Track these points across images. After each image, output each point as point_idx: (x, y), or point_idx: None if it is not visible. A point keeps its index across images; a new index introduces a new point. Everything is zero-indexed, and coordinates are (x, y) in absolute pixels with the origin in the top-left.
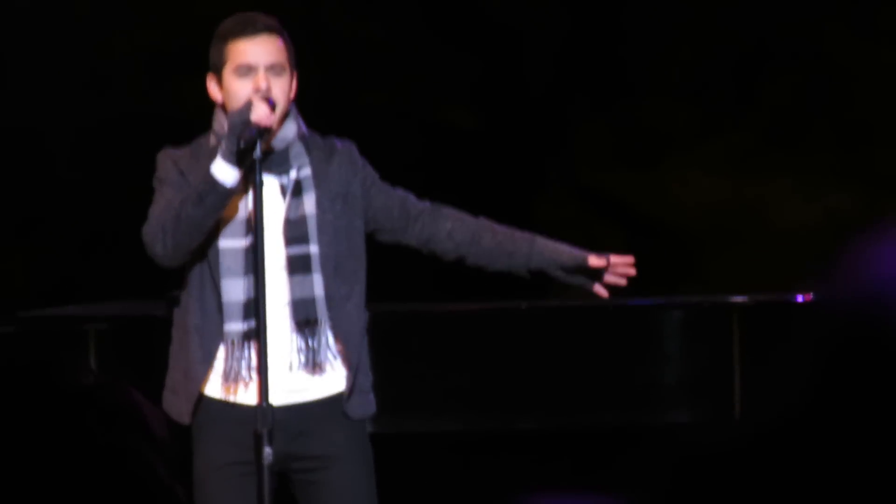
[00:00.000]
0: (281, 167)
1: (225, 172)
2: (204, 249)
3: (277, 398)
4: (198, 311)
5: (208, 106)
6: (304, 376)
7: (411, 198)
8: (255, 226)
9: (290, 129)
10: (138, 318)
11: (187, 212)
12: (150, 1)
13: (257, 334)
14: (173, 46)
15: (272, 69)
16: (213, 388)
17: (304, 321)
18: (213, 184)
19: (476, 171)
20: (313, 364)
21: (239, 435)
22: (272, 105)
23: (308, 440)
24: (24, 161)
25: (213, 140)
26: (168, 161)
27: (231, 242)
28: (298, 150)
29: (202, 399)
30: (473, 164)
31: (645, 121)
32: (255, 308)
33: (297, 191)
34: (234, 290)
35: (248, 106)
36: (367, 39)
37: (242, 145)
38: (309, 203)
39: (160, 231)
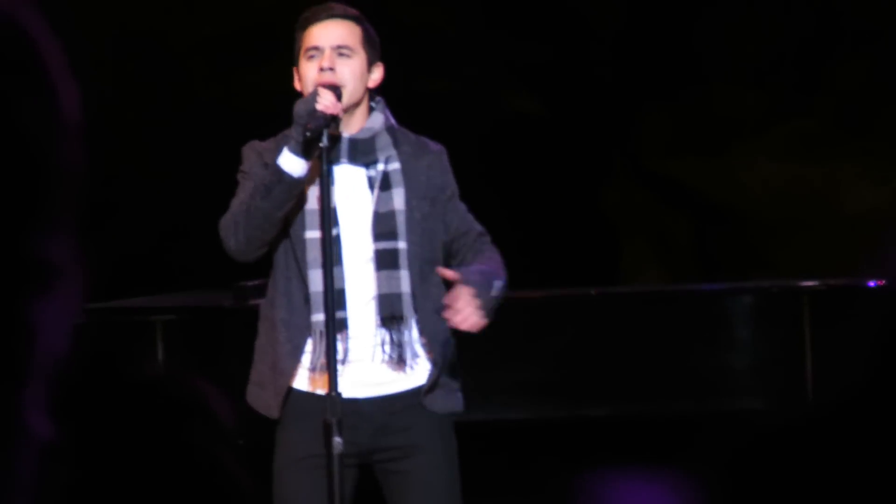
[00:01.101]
0: (367, 157)
1: (292, 163)
2: (290, 241)
3: (362, 391)
4: (285, 305)
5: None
6: (387, 370)
7: (471, 223)
8: (322, 214)
9: (377, 120)
10: (205, 308)
11: (256, 204)
12: None
13: (328, 325)
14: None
15: (338, 50)
16: (301, 381)
17: (390, 316)
18: (280, 174)
19: (544, 159)
20: (398, 359)
21: (317, 426)
22: (338, 93)
23: (392, 433)
24: (97, 150)
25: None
26: (252, 154)
27: (316, 233)
28: (386, 142)
29: (290, 392)
30: (542, 152)
31: (712, 107)
32: (325, 298)
33: (385, 184)
34: (320, 280)
35: (314, 95)
36: (434, 28)
37: (309, 134)
38: (398, 199)
39: (233, 225)
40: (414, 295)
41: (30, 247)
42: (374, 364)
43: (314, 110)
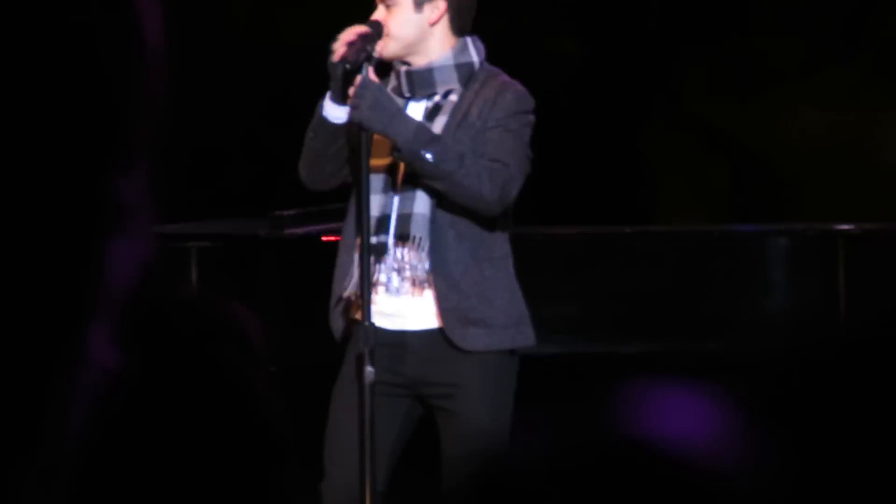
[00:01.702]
0: (426, 90)
1: (330, 109)
2: (354, 167)
3: (406, 322)
4: (348, 228)
5: None
6: (410, 297)
7: (496, 152)
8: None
9: (444, 55)
10: (241, 237)
11: (308, 143)
12: None
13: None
14: None
15: (383, 3)
16: (356, 306)
17: (402, 236)
18: (322, 119)
19: (584, 100)
20: (413, 282)
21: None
22: (377, 31)
23: (436, 367)
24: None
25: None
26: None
27: (376, 161)
28: (448, 76)
29: (343, 307)
30: (581, 93)
31: (752, 53)
32: (357, 207)
33: (432, 114)
34: (373, 206)
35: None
36: None
37: (348, 67)
38: (437, 126)
39: (301, 161)
40: (431, 219)
41: (105, 185)
42: (404, 289)
43: (335, 61)
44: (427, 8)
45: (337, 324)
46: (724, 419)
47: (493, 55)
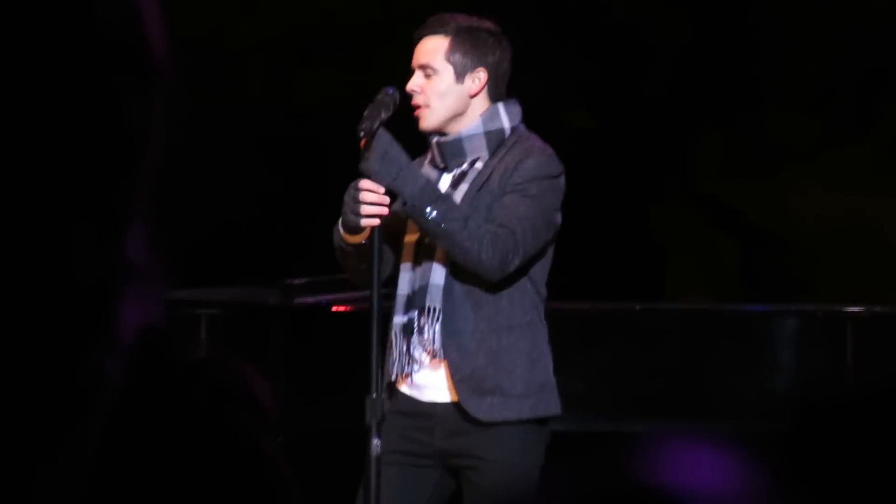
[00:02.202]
0: (455, 159)
1: (338, 237)
2: (395, 249)
3: (434, 395)
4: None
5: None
6: (437, 373)
7: (504, 217)
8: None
9: (473, 124)
10: (251, 304)
11: (340, 260)
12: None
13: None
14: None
15: (424, 71)
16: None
17: (422, 308)
18: (339, 246)
19: (595, 175)
20: (430, 353)
21: (401, 425)
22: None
23: (460, 438)
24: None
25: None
26: None
27: (409, 237)
28: (477, 145)
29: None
30: (593, 168)
31: (766, 132)
32: (370, 297)
33: (456, 182)
34: (402, 282)
35: (347, 206)
36: None
37: (362, 135)
38: (458, 194)
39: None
40: (446, 288)
41: (113, 244)
42: (425, 362)
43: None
44: (468, 78)
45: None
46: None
47: None
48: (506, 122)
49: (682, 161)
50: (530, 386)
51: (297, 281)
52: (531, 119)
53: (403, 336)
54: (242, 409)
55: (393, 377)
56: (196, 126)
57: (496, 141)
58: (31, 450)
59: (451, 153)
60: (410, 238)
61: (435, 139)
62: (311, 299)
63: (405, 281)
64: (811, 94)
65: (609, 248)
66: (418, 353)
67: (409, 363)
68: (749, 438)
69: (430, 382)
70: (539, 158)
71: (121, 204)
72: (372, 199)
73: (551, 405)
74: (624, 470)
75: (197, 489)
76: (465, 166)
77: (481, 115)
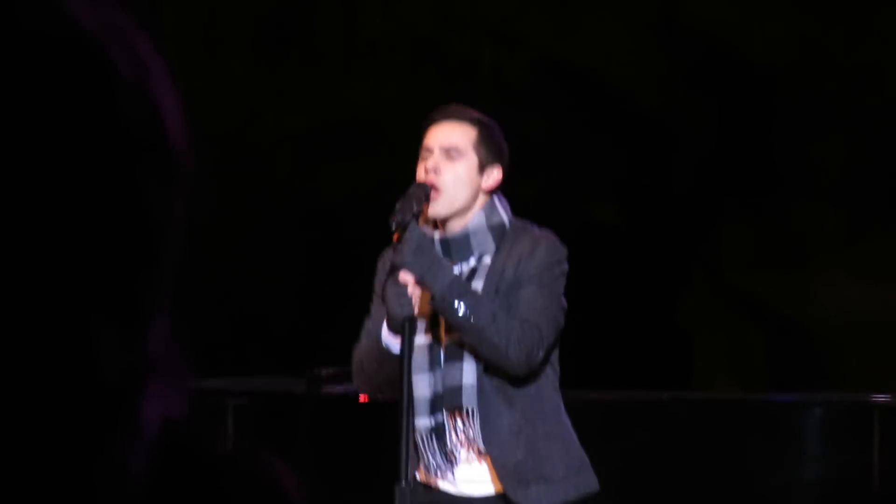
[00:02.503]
0: (461, 255)
1: (390, 340)
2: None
3: (478, 488)
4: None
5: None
6: (481, 468)
7: (527, 311)
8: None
9: (476, 219)
10: (277, 394)
11: (373, 368)
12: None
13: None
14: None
15: (445, 152)
16: (421, 475)
17: (452, 408)
18: (387, 352)
19: (623, 267)
20: (476, 451)
21: None
22: (426, 194)
23: None
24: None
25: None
26: (378, 265)
27: (421, 339)
28: (483, 240)
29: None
30: (620, 260)
31: (793, 223)
32: (403, 393)
33: (468, 279)
34: (421, 385)
35: (394, 302)
36: (522, 130)
37: (394, 228)
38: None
39: (358, 373)
40: (479, 388)
41: (136, 333)
42: (469, 458)
43: (400, 318)
44: (486, 173)
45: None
46: None
47: (534, 220)
48: (504, 216)
49: (710, 252)
50: (570, 468)
51: (324, 370)
52: (560, 211)
53: (433, 438)
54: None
55: (427, 476)
56: (223, 217)
57: (499, 235)
58: None
59: (458, 249)
60: (421, 341)
61: (437, 234)
62: (338, 388)
63: (423, 383)
64: (839, 185)
65: (637, 339)
66: (459, 452)
67: (444, 462)
68: None
69: (472, 477)
70: (547, 246)
71: (143, 298)
72: (415, 291)
73: (591, 482)
74: None
75: None
76: (472, 262)
77: (482, 208)
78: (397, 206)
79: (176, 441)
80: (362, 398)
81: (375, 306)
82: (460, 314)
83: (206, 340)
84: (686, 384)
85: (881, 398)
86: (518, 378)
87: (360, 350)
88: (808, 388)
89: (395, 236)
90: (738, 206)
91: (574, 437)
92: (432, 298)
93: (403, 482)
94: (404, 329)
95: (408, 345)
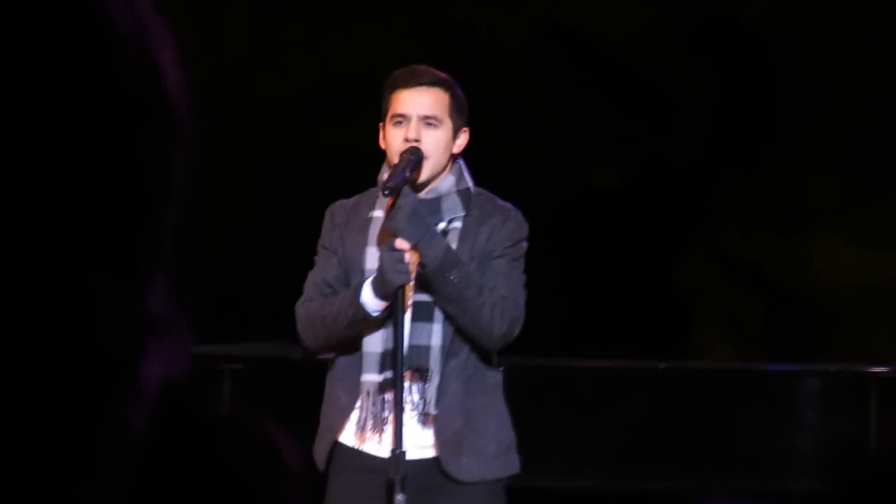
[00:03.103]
0: (432, 217)
1: (374, 303)
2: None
3: (413, 453)
4: (342, 361)
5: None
6: (419, 428)
7: (503, 285)
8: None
9: (446, 182)
10: (274, 359)
11: (338, 329)
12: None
13: (394, 384)
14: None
15: (425, 120)
16: (349, 435)
17: (416, 368)
18: (363, 313)
19: (620, 232)
20: (423, 415)
21: (367, 484)
22: (419, 160)
23: (431, 496)
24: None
25: (377, 190)
26: (327, 218)
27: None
28: (453, 203)
29: (336, 446)
30: (618, 225)
31: (791, 190)
32: (393, 357)
33: None
34: (373, 341)
35: (400, 261)
36: (521, 93)
37: (387, 193)
38: None
39: (311, 329)
40: (443, 349)
41: (137, 294)
42: (411, 422)
43: (391, 284)
44: (460, 136)
45: (321, 456)
46: None
47: (531, 184)
48: (469, 181)
49: (707, 219)
50: (501, 445)
51: None
52: (560, 176)
53: (378, 394)
54: (268, 464)
55: (358, 434)
56: (220, 181)
57: (466, 199)
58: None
59: (430, 211)
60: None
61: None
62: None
63: (377, 338)
64: (836, 152)
65: (633, 307)
66: (404, 412)
67: (382, 422)
68: (772, 497)
69: (409, 441)
70: (516, 220)
71: (144, 257)
72: (411, 258)
73: (515, 464)
74: None
75: None
76: (442, 225)
77: (451, 172)
78: (389, 171)
79: (174, 404)
80: (324, 356)
81: (324, 261)
82: (452, 284)
83: (202, 306)
84: (683, 352)
85: (878, 369)
86: (474, 349)
87: (313, 307)
88: (807, 356)
89: (389, 202)
90: (737, 172)
91: (508, 416)
92: (423, 266)
93: (397, 449)
94: (395, 295)
95: (399, 311)
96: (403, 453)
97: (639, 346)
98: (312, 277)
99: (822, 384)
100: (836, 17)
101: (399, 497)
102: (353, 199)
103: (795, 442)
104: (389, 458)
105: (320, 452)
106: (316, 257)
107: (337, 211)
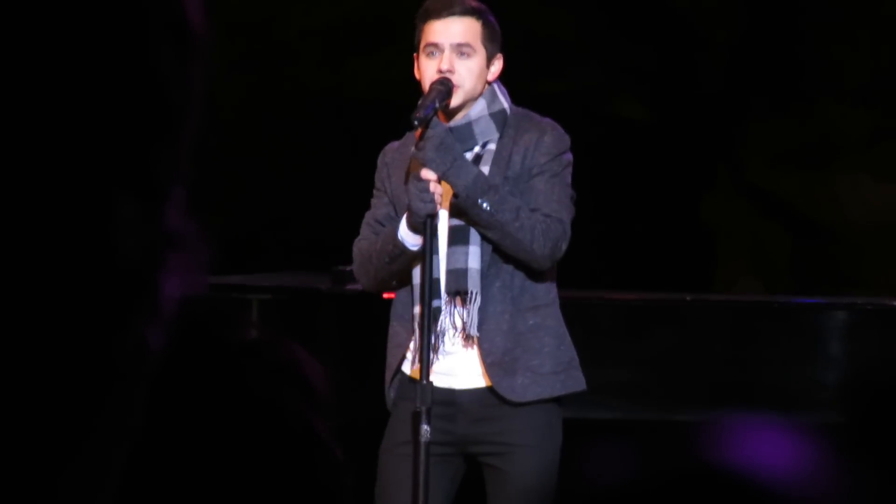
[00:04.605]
0: (466, 143)
1: (411, 237)
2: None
3: (458, 381)
4: (400, 297)
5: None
6: (462, 350)
7: (545, 203)
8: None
9: (478, 107)
10: (302, 290)
11: (383, 266)
12: None
13: (423, 314)
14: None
15: (458, 49)
16: (408, 366)
17: (455, 292)
18: (401, 246)
19: (647, 165)
20: (467, 338)
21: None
22: (449, 91)
23: (486, 424)
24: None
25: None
26: (379, 160)
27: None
28: (486, 126)
29: (399, 376)
30: (644, 158)
31: (818, 123)
32: (427, 287)
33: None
34: (419, 271)
35: (418, 198)
36: (545, 29)
37: (417, 124)
38: None
39: (363, 270)
40: (482, 272)
41: (155, 209)
42: (454, 347)
43: (427, 214)
44: (494, 63)
45: (388, 392)
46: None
47: (557, 117)
48: (505, 103)
49: (733, 152)
50: (559, 363)
51: (348, 267)
52: (586, 108)
53: (428, 324)
54: (295, 389)
55: (410, 367)
56: (249, 116)
57: (501, 121)
58: (73, 421)
59: (462, 137)
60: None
61: (446, 125)
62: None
63: (417, 270)
64: (863, 85)
65: (659, 239)
66: (449, 339)
67: (433, 351)
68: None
69: (458, 369)
70: (554, 135)
71: (161, 173)
72: (438, 188)
73: (579, 380)
74: (675, 458)
75: (247, 468)
76: (477, 149)
77: (482, 97)
78: (419, 102)
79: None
80: (386, 295)
81: (376, 201)
82: (485, 211)
83: (230, 237)
84: (709, 286)
85: None
86: (521, 267)
87: (364, 245)
88: (832, 290)
89: (419, 132)
90: (763, 105)
91: (566, 334)
92: (455, 196)
93: (424, 380)
94: (426, 226)
95: (430, 241)
96: (430, 384)
97: (665, 279)
98: (367, 217)
99: (847, 317)
100: None
101: (424, 427)
102: (401, 140)
103: (820, 375)
104: (416, 387)
105: (388, 390)
106: (371, 199)
107: (387, 152)
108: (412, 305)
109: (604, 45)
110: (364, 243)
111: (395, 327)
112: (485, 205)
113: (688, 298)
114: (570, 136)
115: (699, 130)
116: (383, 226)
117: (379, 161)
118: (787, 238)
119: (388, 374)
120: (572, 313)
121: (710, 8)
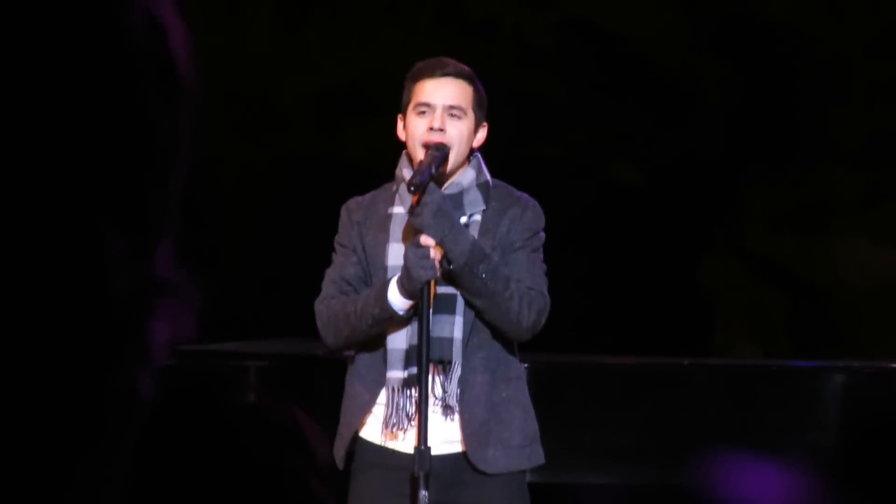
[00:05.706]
0: (455, 212)
1: (401, 302)
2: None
3: (435, 448)
4: (363, 359)
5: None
6: (441, 419)
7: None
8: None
9: (468, 176)
10: (299, 356)
11: (362, 328)
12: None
13: (418, 380)
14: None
15: (450, 111)
16: (372, 432)
17: (438, 361)
18: (390, 311)
19: (644, 229)
20: (445, 407)
21: (392, 481)
22: (445, 155)
23: (460, 491)
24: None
25: (395, 185)
26: (344, 216)
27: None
28: (474, 198)
29: (359, 442)
30: (641, 222)
31: (814, 187)
32: (418, 353)
33: None
34: (398, 338)
35: (418, 265)
36: (544, 94)
37: (413, 190)
38: None
39: (332, 328)
40: (464, 342)
41: (147, 258)
42: (434, 415)
43: (420, 281)
44: (480, 130)
45: (341, 454)
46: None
47: (555, 181)
48: (487, 174)
49: (730, 216)
50: (526, 437)
51: None
52: (582, 173)
53: (403, 390)
54: (295, 450)
55: (384, 431)
56: (246, 178)
57: (486, 193)
58: (65, 460)
59: (452, 206)
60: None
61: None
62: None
63: (401, 335)
64: (860, 149)
65: (656, 303)
66: (428, 407)
67: (407, 418)
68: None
69: (433, 437)
70: (535, 210)
71: (150, 210)
72: (437, 255)
73: (540, 455)
74: None
75: None
76: (464, 219)
77: (471, 167)
78: (413, 167)
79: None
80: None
81: (342, 259)
82: (479, 279)
83: (225, 303)
84: (707, 349)
85: None
86: (499, 339)
87: (335, 305)
88: (830, 353)
89: (415, 199)
90: (760, 169)
91: (531, 407)
92: (450, 262)
93: (422, 445)
94: (422, 292)
95: (426, 308)
96: (429, 449)
97: (663, 344)
98: (331, 275)
99: (845, 380)
100: (858, 15)
101: (423, 493)
102: (368, 196)
103: (818, 438)
104: (414, 453)
105: (339, 450)
106: (333, 255)
107: (353, 209)
108: (381, 369)
109: (600, 110)
110: (335, 303)
111: (356, 388)
112: (481, 273)
113: (685, 363)
114: (569, 200)
115: (696, 194)
116: (351, 285)
117: (343, 216)
118: (785, 301)
119: (344, 435)
120: (570, 378)
121: (707, 73)
